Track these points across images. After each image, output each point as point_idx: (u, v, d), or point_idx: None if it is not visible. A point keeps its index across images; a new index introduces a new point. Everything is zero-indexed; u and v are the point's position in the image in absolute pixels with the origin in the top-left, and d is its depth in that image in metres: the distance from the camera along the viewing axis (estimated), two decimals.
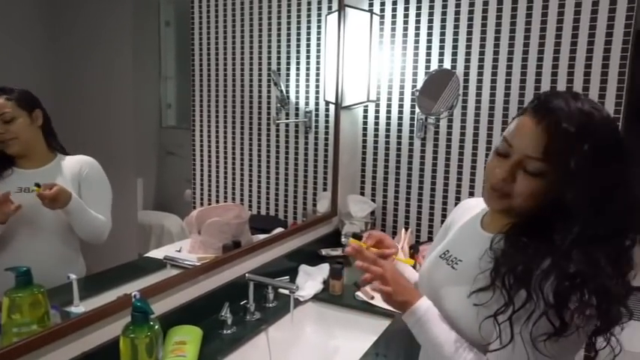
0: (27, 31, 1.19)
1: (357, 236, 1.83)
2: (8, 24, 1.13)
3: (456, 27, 2.05)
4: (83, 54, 1.31)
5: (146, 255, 1.52)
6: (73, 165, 1.27)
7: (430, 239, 2.13)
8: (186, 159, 1.82)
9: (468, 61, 2.04)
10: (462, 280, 0.94)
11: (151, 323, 1.10)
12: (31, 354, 1.02)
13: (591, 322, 0.80)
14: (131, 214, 1.52)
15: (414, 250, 1.86)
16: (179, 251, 1.60)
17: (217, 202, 1.88)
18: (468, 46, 2.04)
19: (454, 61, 2.06)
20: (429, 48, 2.11)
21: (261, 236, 1.80)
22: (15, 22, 1.15)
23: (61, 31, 1.27)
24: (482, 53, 2.02)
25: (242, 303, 1.53)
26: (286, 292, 1.61)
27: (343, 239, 2.06)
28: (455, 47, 2.06)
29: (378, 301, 1.69)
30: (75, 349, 1.12)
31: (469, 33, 2.03)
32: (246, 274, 1.55)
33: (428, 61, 2.12)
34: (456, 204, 2.07)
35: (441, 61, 2.09)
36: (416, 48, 2.13)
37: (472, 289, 0.89)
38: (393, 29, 2.16)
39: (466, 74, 2.05)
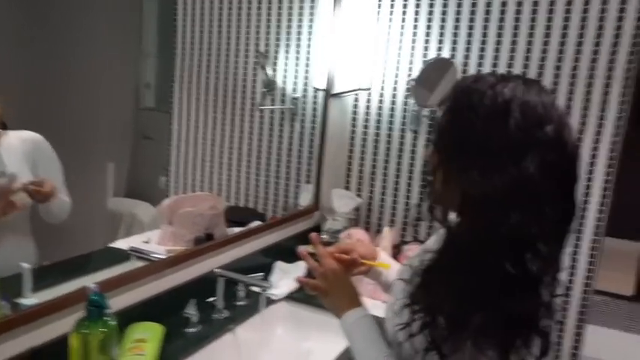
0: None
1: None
2: None
3: (458, 13, 1.93)
4: (55, 23, 1.23)
5: (111, 245, 1.46)
6: (21, 143, 1.20)
7: (416, 239, 2.04)
8: (164, 144, 1.74)
9: (468, 50, 1.93)
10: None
11: (106, 319, 1.05)
12: None
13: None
14: (99, 200, 1.47)
15: (397, 250, 1.78)
16: (147, 242, 1.53)
17: (193, 190, 1.80)
18: (469, 34, 1.92)
19: (454, 49, 1.95)
20: (427, 35, 1.99)
21: (237, 229, 1.72)
22: None
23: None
24: (483, 42, 1.90)
25: (210, 300, 1.47)
26: (259, 289, 1.54)
27: (324, 236, 1.99)
28: (455, 35, 1.94)
29: None
30: (22, 344, 1.06)
31: (471, 20, 1.91)
32: (215, 270, 1.48)
33: (426, 48, 2.00)
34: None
35: (439, 49, 1.98)
36: (414, 34, 2.01)
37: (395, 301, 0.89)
38: (391, 13, 2.04)
39: (465, 64, 1.94)
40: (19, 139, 1.20)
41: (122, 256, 1.42)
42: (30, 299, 1.13)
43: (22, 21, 1.18)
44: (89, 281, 1.17)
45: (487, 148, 0.74)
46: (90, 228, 1.43)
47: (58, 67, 1.26)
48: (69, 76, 1.30)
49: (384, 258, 1.12)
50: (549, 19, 1.79)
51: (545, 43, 1.81)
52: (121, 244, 1.47)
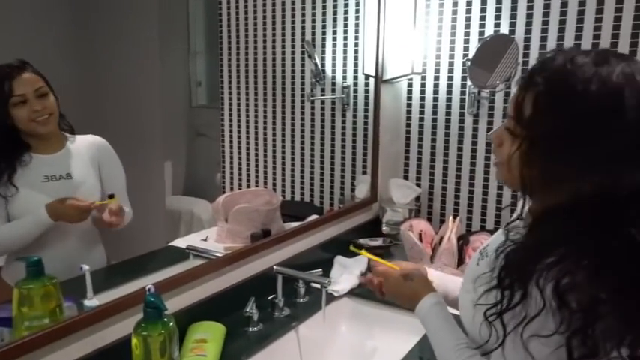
0: (51, 6, 1.15)
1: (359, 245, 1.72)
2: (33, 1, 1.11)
3: None
4: (107, 28, 1.26)
5: (171, 244, 1.47)
6: (87, 147, 1.23)
7: (483, 228, 1.95)
8: (217, 141, 1.76)
9: (529, 24, 1.81)
10: (475, 277, 0.88)
11: (165, 320, 1.04)
12: (43, 349, 0.97)
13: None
14: (159, 199, 1.48)
15: (463, 241, 1.69)
16: (205, 240, 1.53)
17: (248, 186, 1.80)
18: (530, 7, 1.80)
19: (512, 25, 1.84)
20: (483, 11, 1.89)
21: (294, 224, 1.69)
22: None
23: (85, 6, 1.22)
24: (546, 15, 1.78)
25: (270, 298, 1.44)
26: (319, 286, 1.48)
27: (384, 228, 1.94)
28: (514, 9, 1.83)
29: None
30: (88, 346, 1.07)
31: None
32: (274, 267, 1.45)
33: (482, 26, 1.90)
34: (514, 190, 1.91)
35: (497, 25, 1.87)
36: (468, 12, 1.91)
37: (477, 291, 0.84)
38: None
39: (527, 40, 1.82)
40: (86, 143, 1.22)
41: (181, 254, 1.42)
42: (92, 301, 1.13)
43: (74, 25, 1.20)
44: (150, 281, 1.19)
45: (597, 145, 0.71)
46: (151, 227, 1.45)
47: (111, 69, 1.28)
48: (122, 77, 1.31)
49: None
50: None
51: (618, 10, 1.66)
52: (181, 242, 1.48)
